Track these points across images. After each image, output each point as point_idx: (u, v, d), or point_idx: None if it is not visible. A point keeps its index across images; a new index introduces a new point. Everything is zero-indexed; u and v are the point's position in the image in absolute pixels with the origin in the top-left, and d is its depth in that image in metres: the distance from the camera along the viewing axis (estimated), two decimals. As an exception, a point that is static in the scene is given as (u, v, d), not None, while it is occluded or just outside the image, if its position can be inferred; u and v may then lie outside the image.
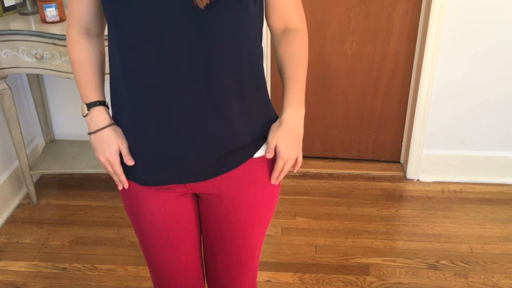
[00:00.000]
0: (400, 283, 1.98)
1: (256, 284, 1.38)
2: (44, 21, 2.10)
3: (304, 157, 2.75)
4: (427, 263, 2.07)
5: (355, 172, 2.66)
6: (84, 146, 2.57)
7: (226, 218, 1.17)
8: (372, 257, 2.10)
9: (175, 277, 1.27)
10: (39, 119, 2.64)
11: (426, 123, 2.47)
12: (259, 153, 1.13)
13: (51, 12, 2.08)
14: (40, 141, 2.73)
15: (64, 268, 2.07)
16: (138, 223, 1.20)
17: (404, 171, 2.65)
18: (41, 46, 2.01)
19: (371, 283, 1.98)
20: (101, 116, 1.11)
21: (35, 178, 2.59)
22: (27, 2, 2.21)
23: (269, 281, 1.99)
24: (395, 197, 2.48)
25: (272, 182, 1.16)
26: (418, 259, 2.09)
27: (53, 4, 2.07)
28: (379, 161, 2.74)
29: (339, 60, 2.50)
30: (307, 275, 2.02)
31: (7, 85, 2.16)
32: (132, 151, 1.10)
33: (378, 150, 2.72)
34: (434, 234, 2.22)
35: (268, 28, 1.14)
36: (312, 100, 2.59)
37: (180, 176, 1.11)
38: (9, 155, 2.46)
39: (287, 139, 1.11)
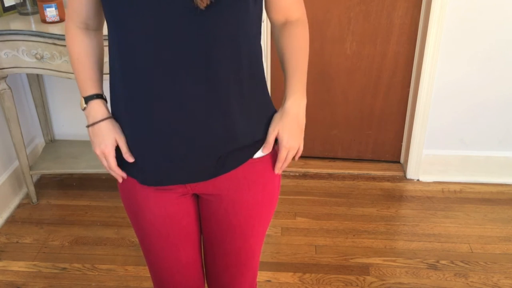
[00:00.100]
0: (400, 283, 1.98)
1: (256, 284, 1.38)
2: (44, 21, 2.10)
3: (304, 157, 2.75)
4: (427, 263, 2.07)
5: (355, 172, 2.66)
6: (84, 146, 2.57)
7: (226, 219, 1.17)
8: (372, 257, 2.10)
9: (175, 277, 1.27)
10: (39, 119, 2.64)
11: (426, 123, 2.47)
12: (259, 153, 1.13)
13: (51, 12, 2.08)
14: (40, 141, 2.73)
15: (64, 268, 2.07)
16: (138, 223, 1.21)
17: (404, 171, 2.65)
18: (41, 46, 2.01)
19: (371, 283, 1.98)
20: (98, 109, 1.11)
21: (35, 178, 2.59)
22: (27, 2, 2.21)
23: (269, 281, 1.99)
24: (395, 197, 2.48)
25: (276, 172, 1.16)
26: (418, 259, 2.09)
27: (53, 4, 2.07)
28: (379, 161, 2.74)
29: (339, 60, 2.50)
30: (307, 275, 2.02)
31: (7, 85, 2.16)
32: (132, 150, 1.10)
33: (378, 150, 2.72)
34: (434, 234, 2.22)
35: (268, 28, 1.14)
36: (312, 100, 2.58)
37: (180, 177, 1.11)
38: (9, 155, 2.46)
39: (290, 127, 1.11)
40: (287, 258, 2.10)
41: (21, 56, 2.05)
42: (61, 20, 2.11)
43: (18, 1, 2.22)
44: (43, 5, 2.07)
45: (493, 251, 2.13)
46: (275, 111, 1.16)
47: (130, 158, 1.10)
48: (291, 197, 2.47)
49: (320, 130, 2.68)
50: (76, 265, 2.08)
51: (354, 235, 2.22)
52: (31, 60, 2.05)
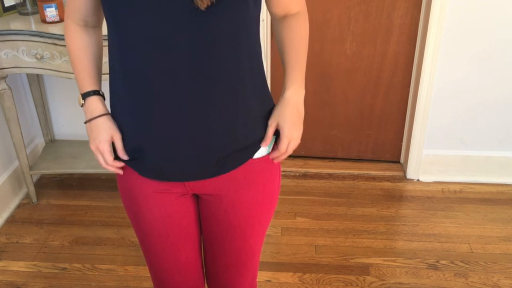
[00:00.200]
0: (400, 283, 1.98)
1: (256, 284, 1.38)
2: (44, 21, 2.10)
3: (304, 157, 2.75)
4: (427, 263, 2.07)
5: (355, 172, 2.66)
6: (84, 146, 2.57)
7: (226, 219, 1.17)
8: (372, 257, 2.10)
9: (175, 277, 1.27)
10: (39, 119, 2.64)
11: (426, 123, 2.47)
12: (259, 154, 1.13)
13: (51, 12, 2.08)
14: (40, 141, 2.73)
15: (64, 268, 2.07)
16: (138, 224, 1.21)
17: (404, 171, 2.65)
18: (41, 46, 2.01)
19: (371, 283, 1.98)
20: (95, 105, 1.11)
21: (35, 178, 2.59)
22: (27, 2, 2.21)
23: (269, 281, 1.99)
24: (395, 197, 2.48)
25: (275, 161, 1.14)
26: (418, 259, 2.09)
27: (53, 4, 2.07)
28: (379, 161, 2.74)
29: (339, 60, 2.50)
30: (307, 275, 2.02)
31: (7, 85, 2.16)
32: (132, 150, 1.10)
33: (378, 150, 2.72)
34: (434, 234, 2.22)
35: (268, 28, 1.14)
36: (312, 100, 2.59)
37: (180, 175, 1.11)
38: (9, 155, 2.46)
39: (291, 117, 1.10)
40: (287, 258, 2.10)
41: (21, 56, 2.05)
42: (61, 20, 2.11)
43: (18, 1, 2.22)
44: (43, 5, 2.07)
45: (493, 251, 2.13)
46: None
47: (124, 156, 1.10)
48: (291, 197, 2.47)
49: (320, 130, 2.68)
50: (76, 265, 2.08)
51: (354, 235, 2.22)
52: (31, 60, 2.05)
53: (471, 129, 2.48)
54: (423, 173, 2.59)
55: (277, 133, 1.13)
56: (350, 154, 2.75)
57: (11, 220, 2.35)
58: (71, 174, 2.65)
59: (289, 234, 2.23)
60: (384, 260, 2.09)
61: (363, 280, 1.99)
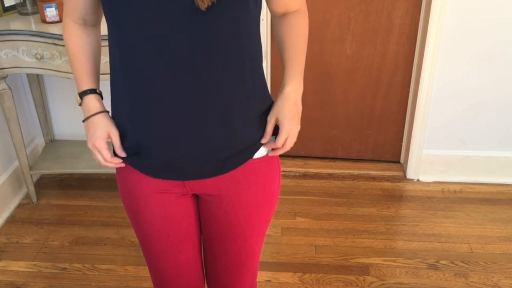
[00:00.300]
0: (400, 283, 1.98)
1: (256, 284, 1.38)
2: (44, 21, 2.10)
3: (304, 157, 2.75)
4: (427, 263, 2.07)
5: (355, 172, 2.66)
6: (84, 146, 2.56)
7: (226, 219, 1.17)
8: (372, 257, 2.10)
9: (175, 278, 1.27)
10: (39, 119, 2.64)
11: (426, 123, 2.47)
12: (259, 154, 1.13)
13: (51, 12, 2.08)
14: (40, 141, 2.73)
15: (64, 268, 2.07)
16: (138, 224, 1.20)
17: (404, 171, 2.65)
18: (41, 46, 2.01)
19: (371, 283, 1.98)
20: (91, 104, 1.11)
21: (35, 178, 2.59)
22: (27, 2, 2.21)
23: (269, 281, 1.99)
24: (395, 197, 2.48)
25: (267, 146, 1.13)
26: (418, 259, 2.09)
27: (53, 4, 2.07)
28: (379, 161, 2.74)
29: (339, 60, 2.50)
30: (307, 275, 2.02)
31: (7, 85, 2.16)
32: (132, 148, 1.10)
33: (378, 150, 2.72)
34: (434, 234, 2.22)
35: (268, 28, 1.14)
36: (312, 100, 2.59)
37: (180, 175, 1.11)
38: (9, 155, 2.46)
39: (290, 112, 1.10)
40: (287, 258, 2.10)
41: (21, 56, 2.05)
42: (61, 20, 2.11)
43: (18, 1, 2.22)
44: (43, 5, 2.07)
45: (493, 251, 2.13)
46: None
47: (122, 153, 1.10)
48: (291, 197, 2.47)
49: (320, 130, 2.68)
50: (76, 265, 2.08)
51: (354, 235, 2.22)
52: (31, 60, 2.05)
53: (471, 129, 2.48)
54: (423, 173, 2.59)
55: (276, 132, 1.13)
56: (350, 154, 2.75)
57: (11, 220, 2.35)
58: (71, 174, 2.65)
59: (289, 234, 2.23)
60: (384, 260, 2.09)
61: (363, 280, 1.99)
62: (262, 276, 2.00)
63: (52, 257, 2.13)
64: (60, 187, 2.60)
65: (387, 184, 2.57)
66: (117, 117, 1.11)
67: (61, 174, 2.65)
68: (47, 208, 2.44)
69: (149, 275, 1.34)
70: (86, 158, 2.48)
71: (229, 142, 1.07)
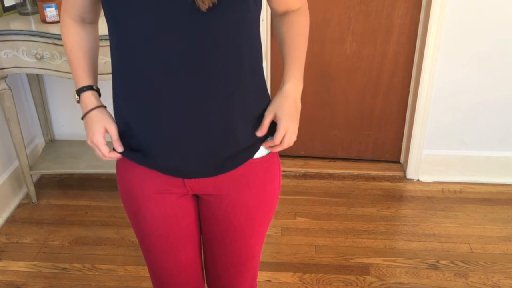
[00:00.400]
0: (400, 283, 1.98)
1: (256, 285, 1.38)
2: (44, 21, 2.10)
3: (304, 157, 2.75)
4: (427, 263, 2.07)
5: (355, 172, 2.66)
6: (84, 146, 2.57)
7: (226, 219, 1.17)
8: (372, 257, 2.10)
9: (175, 278, 1.27)
10: (39, 119, 2.64)
11: (426, 123, 2.47)
12: (259, 154, 1.13)
13: (51, 12, 2.08)
14: (40, 141, 2.73)
15: (64, 268, 2.07)
16: (138, 224, 1.20)
17: (404, 171, 2.65)
18: (41, 46, 2.01)
19: (371, 283, 1.98)
20: (88, 100, 1.12)
21: (35, 178, 2.59)
22: (27, 2, 2.21)
23: (269, 281, 1.99)
24: (395, 197, 2.48)
25: (266, 149, 1.13)
26: (418, 259, 2.09)
27: (53, 4, 2.07)
28: (379, 161, 2.74)
29: (339, 60, 2.50)
30: (307, 275, 2.02)
31: (7, 85, 2.16)
32: (132, 145, 1.10)
33: (378, 150, 2.72)
34: (434, 234, 2.22)
35: (268, 28, 1.14)
36: (312, 100, 2.59)
37: (179, 173, 1.11)
38: (9, 155, 2.46)
39: (289, 109, 1.10)
40: (287, 258, 2.10)
41: (21, 56, 2.05)
42: (61, 20, 2.11)
43: (18, 1, 2.22)
44: (43, 5, 2.07)
45: (493, 251, 2.13)
46: None
47: (119, 147, 1.11)
48: (291, 197, 2.47)
49: (320, 130, 2.68)
50: (76, 265, 2.08)
51: (354, 235, 2.22)
52: (31, 60, 2.05)
53: (471, 129, 2.48)
54: (423, 173, 2.59)
55: (273, 129, 1.12)
56: (350, 154, 2.75)
57: (11, 220, 2.35)
58: (71, 174, 2.65)
59: (289, 234, 2.23)
60: (384, 260, 2.09)
61: (363, 280, 1.99)
62: (262, 276, 2.00)
63: (52, 257, 2.13)
64: (60, 187, 2.60)
65: (387, 184, 2.57)
66: (118, 116, 1.11)
67: (61, 174, 2.65)
68: (47, 208, 2.44)
69: (149, 275, 1.34)
70: (86, 158, 2.48)
71: (229, 142, 1.07)
